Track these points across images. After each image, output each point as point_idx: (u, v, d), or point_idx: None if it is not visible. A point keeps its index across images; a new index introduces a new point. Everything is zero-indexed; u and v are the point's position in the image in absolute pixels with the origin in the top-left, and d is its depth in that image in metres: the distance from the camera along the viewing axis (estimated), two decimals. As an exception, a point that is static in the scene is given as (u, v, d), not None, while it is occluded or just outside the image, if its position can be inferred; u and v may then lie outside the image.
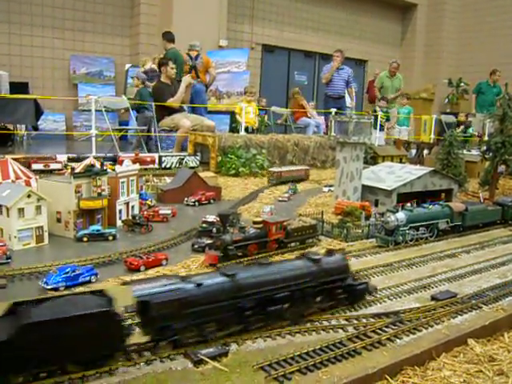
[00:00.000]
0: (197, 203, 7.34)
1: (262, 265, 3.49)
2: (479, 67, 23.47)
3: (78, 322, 2.60)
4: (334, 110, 13.92)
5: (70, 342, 2.60)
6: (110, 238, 5.38)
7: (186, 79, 12.58)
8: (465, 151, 11.71)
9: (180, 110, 12.59)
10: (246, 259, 4.73)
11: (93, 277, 4.17)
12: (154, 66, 14.93)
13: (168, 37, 13.25)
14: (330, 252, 3.90)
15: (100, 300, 2.76)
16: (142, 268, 4.46)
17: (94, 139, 10.09)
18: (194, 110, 13.44)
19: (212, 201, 7.57)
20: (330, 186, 8.81)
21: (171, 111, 12.29)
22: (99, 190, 5.59)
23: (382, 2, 25.36)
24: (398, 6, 26.16)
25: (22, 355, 2.48)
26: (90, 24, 18.24)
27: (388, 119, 16.78)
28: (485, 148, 9.25)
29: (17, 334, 2.45)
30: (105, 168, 5.85)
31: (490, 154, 9.04)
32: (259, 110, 14.97)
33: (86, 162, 6.14)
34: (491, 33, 24.17)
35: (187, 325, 2.94)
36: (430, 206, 6.00)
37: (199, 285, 3.05)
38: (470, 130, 18.17)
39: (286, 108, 17.83)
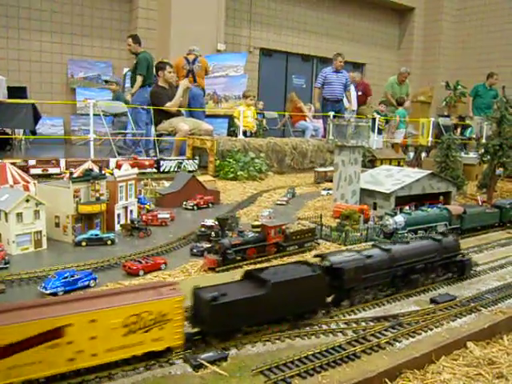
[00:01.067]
0: (195, 207, 7.34)
1: (403, 242, 4.28)
2: (476, 70, 23.56)
3: (303, 282, 3.37)
4: (332, 114, 13.95)
5: (294, 298, 3.33)
6: (109, 242, 5.37)
7: (184, 83, 12.60)
8: (463, 154, 11.73)
9: (178, 114, 12.60)
10: (244, 263, 4.73)
11: (92, 281, 4.16)
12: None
13: (138, 40, 13.20)
14: (443, 233, 4.66)
15: (309, 268, 3.52)
16: (141, 272, 4.46)
17: (92, 143, 10.10)
18: (192, 114, 13.45)
19: (210, 205, 7.57)
20: (329, 189, 8.82)
21: (169, 115, 12.30)
22: (98, 195, 5.59)
23: (379, 6, 25.45)
24: (396, 9, 26.25)
25: (265, 307, 3.19)
26: (87, 28, 18.29)
27: (387, 123, 16.83)
28: (483, 150, 9.25)
29: (268, 291, 3.18)
30: (103, 172, 5.84)
31: (488, 157, 9.05)
32: (257, 113, 15.00)
33: (85, 166, 6.13)
34: (488, 36, 24.26)
35: (364, 287, 3.76)
36: (429, 209, 6.01)
37: (369, 256, 3.84)
38: (468, 133, 18.21)
39: (284, 112, 17.87)
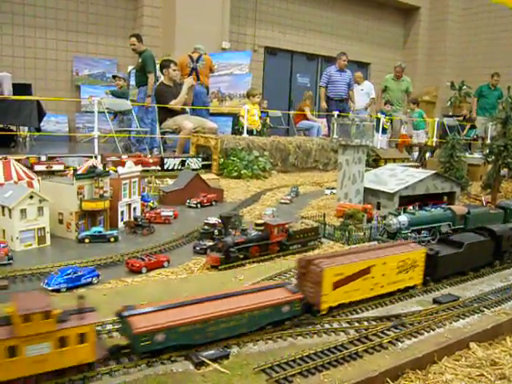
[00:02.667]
0: (199, 205, 7.35)
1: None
2: (482, 70, 23.45)
3: (482, 244, 4.76)
4: (336, 113, 13.94)
5: (477, 255, 4.68)
6: (112, 239, 5.38)
7: (188, 81, 12.61)
8: (467, 154, 11.71)
9: (182, 111, 12.61)
10: (247, 261, 4.73)
11: (94, 278, 4.17)
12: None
13: (141, 38, 13.18)
14: None
15: (482, 235, 4.90)
16: (144, 270, 4.47)
17: (96, 141, 10.11)
18: (195, 112, 13.46)
19: (214, 203, 7.58)
20: (332, 188, 8.81)
21: (173, 113, 12.30)
22: (101, 192, 5.60)
23: (384, 5, 25.38)
24: (401, 8, 26.16)
25: (462, 261, 4.54)
26: (92, 26, 18.29)
27: (390, 122, 16.80)
28: (487, 151, 9.22)
29: (464, 249, 4.50)
30: (107, 169, 5.85)
31: (493, 158, 9.02)
32: (261, 112, 15.01)
33: (89, 163, 6.14)
34: (494, 36, 24.16)
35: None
36: (432, 210, 5.98)
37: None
38: (472, 133, 18.17)
39: (289, 111, 17.87)
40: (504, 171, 9.79)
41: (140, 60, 12.87)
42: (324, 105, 15.86)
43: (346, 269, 3.57)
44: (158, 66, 13.71)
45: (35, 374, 2.44)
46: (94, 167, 5.72)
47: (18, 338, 2.35)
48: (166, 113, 12.30)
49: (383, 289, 3.86)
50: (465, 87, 24.20)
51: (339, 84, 15.66)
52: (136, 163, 8.01)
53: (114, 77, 16.83)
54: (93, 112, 10.76)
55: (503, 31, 23.62)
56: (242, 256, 4.72)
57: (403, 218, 5.43)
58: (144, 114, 12.75)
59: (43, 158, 8.70)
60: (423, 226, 5.66)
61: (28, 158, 8.57)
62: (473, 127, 18.56)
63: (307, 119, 16.65)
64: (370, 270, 3.72)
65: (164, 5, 18.38)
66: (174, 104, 12.09)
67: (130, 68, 18.15)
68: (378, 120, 15.29)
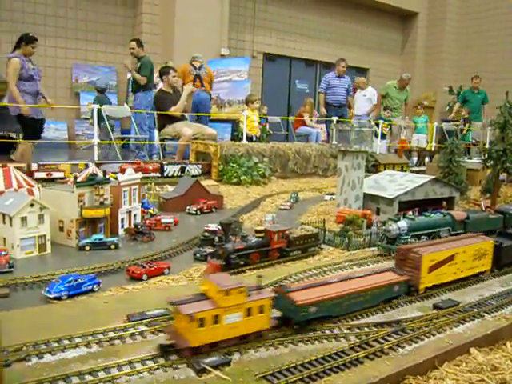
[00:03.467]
0: (199, 212, 7.36)
1: None
2: (480, 75, 23.52)
3: None
4: (335, 119, 13.98)
5: None
6: (113, 246, 5.39)
7: (188, 87, 12.65)
8: (466, 159, 11.73)
9: (181, 118, 12.65)
10: (247, 268, 4.74)
11: (95, 286, 4.17)
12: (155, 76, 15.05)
13: (141, 43, 13.28)
14: None
15: None
16: (145, 277, 4.47)
17: (96, 148, 10.14)
18: (198, 119, 13.53)
19: (214, 209, 7.59)
20: (332, 194, 8.82)
21: (173, 120, 12.34)
22: (102, 199, 5.62)
23: (382, 11, 25.48)
24: (399, 14, 26.27)
25: None
26: (92, 33, 18.37)
27: (391, 128, 16.85)
28: (486, 156, 9.25)
29: None
30: (107, 177, 5.86)
31: (492, 162, 9.05)
32: (260, 118, 15.05)
33: (89, 170, 6.15)
34: (492, 41, 24.25)
35: None
36: (432, 215, 6.00)
37: None
38: (469, 137, 18.21)
39: (288, 117, 17.91)
40: (503, 176, 9.80)
41: (138, 65, 12.95)
42: (323, 110, 15.93)
43: (437, 255, 4.29)
44: (157, 74, 13.82)
45: (230, 338, 3.05)
46: (95, 175, 5.73)
47: (220, 308, 2.97)
48: (166, 119, 12.34)
49: (462, 273, 4.56)
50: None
51: (338, 90, 15.75)
52: (136, 170, 8.05)
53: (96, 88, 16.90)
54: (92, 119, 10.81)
55: (501, 36, 23.71)
56: (242, 263, 4.72)
57: (403, 224, 5.44)
58: (142, 120, 12.81)
59: (34, 167, 8.64)
60: (423, 232, 5.67)
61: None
62: (469, 131, 18.62)
63: (306, 125, 16.70)
64: (454, 257, 4.43)
65: (163, 12, 18.46)
66: (174, 111, 12.12)
67: (129, 75, 18.22)
68: (378, 125, 15.36)
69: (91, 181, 5.61)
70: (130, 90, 17.39)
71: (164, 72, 12.68)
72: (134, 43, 13.06)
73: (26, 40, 10.59)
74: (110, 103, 13.50)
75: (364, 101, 17.23)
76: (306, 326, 3.38)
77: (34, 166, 8.56)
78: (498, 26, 23.90)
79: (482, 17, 24.91)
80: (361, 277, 3.89)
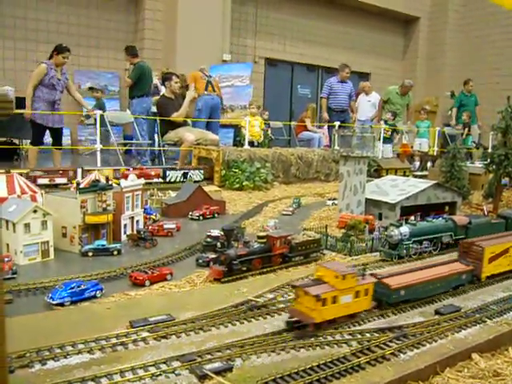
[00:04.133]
0: (201, 217, 7.37)
1: None
2: (482, 79, 23.54)
3: None
4: (337, 123, 14.00)
5: None
6: (115, 252, 5.41)
7: (190, 93, 12.70)
8: (468, 163, 11.73)
9: (184, 124, 12.70)
10: (250, 274, 4.75)
11: (98, 292, 4.19)
12: (157, 82, 15.18)
13: (132, 52, 13.48)
14: None
15: None
16: (147, 283, 4.48)
17: (99, 153, 10.18)
18: (208, 125, 13.63)
19: (216, 215, 7.60)
20: (334, 199, 8.83)
21: (175, 125, 12.39)
22: (104, 205, 5.64)
23: (384, 16, 25.53)
24: (401, 19, 26.35)
25: None
26: (94, 39, 18.46)
27: (394, 132, 16.86)
28: (488, 160, 9.25)
29: None
30: (110, 183, 5.89)
31: (494, 167, 9.05)
32: (264, 123, 15.10)
33: (91, 176, 6.18)
34: (493, 45, 24.29)
35: None
36: (434, 220, 6.01)
37: None
38: (469, 142, 18.22)
39: (290, 122, 17.94)
40: (505, 180, 9.80)
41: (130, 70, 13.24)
42: (325, 115, 15.95)
43: (496, 248, 4.84)
44: (155, 79, 13.99)
45: (343, 316, 3.62)
46: (97, 181, 5.76)
47: (338, 290, 3.50)
48: (168, 125, 12.38)
49: (509, 266, 5.05)
50: (465, 96, 24.26)
51: (340, 95, 15.78)
52: (138, 176, 8.08)
53: (90, 88, 17.02)
54: (95, 124, 10.85)
55: (502, 40, 23.74)
56: (244, 268, 4.73)
57: (405, 229, 5.45)
58: (138, 126, 12.95)
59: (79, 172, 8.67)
60: (425, 237, 5.68)
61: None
62: (468, 135, 18.66)
63: (308, 130, 16.74)
64: (508, 250, 4.96)
65: (165, 18, 18.55)
66: (176, 116, 12.17)
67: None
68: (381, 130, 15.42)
69: (94, 187, 5.63)
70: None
71: (166, 78, 12.75)
72: (125, 52, 13.50)
73: (57, 50, 11.07)
74: (104, 109, 13.65)
75: (368, 106, 17.27)
76: (395, 306, 4.00)
77: (79, 172, 8.60)
78: (499, 31, 23.94)
79: (483, 21, 24.94)
80: (436, 266, 4.52)
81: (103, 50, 18.80)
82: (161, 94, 14.07)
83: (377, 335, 3.51)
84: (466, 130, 18.66)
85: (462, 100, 19.32)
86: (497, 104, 9.85)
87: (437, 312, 4.02)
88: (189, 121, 13.17)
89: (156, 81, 15.73)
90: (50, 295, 3.97)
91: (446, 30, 26.07)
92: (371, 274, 3.97)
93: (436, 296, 4.34)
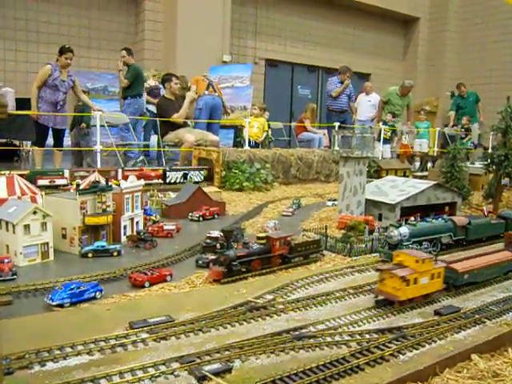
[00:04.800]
0: (201, 218, 7.37)
1: None
2: (482, 80, 23.58)
3: None
4: (337, 124, 14.01)
5: None
6: (115, 253, 5.41)
7: (190, 95, 12.72)
8: (468, 164, 11.73)
9: (184, 125, 12.71)
10: (249, 274, 4.75)
11: (98, 293, 4.19)
12: (157, 83, 15.20)
13: (131, 52, 13.73)
14: None
15: None
16: (147, 284, 4.48)
17: (98, 154, 10.18)
18: (208, 125, 13.68)
19: (216, 216, 7.60)
20: (334, 200, 8.83)
21: (175, 127, 12.39)
22: (104, 206, 5.65)
23: (384, 16, 25.54)
24: (400, 19, 26.36)
25: None
26: (94, 40, 18.50)
27: (394, 132, 16.88)
28: (488, 161, 9.25)
29: None
30: (110, 184, 5.89)
31: (494, 167, 9.05)
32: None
33: (91, 177, 6.18)
34: (493, 46, 24.29)
35: None
36: (433, 221, 6.01)
37: None
38: (469, 142, 18.22)
39: (290, 122, 17.94)
40: (505, 180, 9.80)
41: (126, 71, 13.34)
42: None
43: None
44: (153, 82, 14.05)
45: (420, 295, 4.20)
46: (97, 182, 5.76)
47: (418, 272, 4.08)
48: (168, 126, 12.39)
49: None
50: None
51: (341, 96, 15.75)
52: (138, 177, 8.09)
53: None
54: (95, 125, 10.86)
55: (502, 41, 23.75)
56: (244, 269, 4.73)
57: (404, 230, 5.45)
58: (133, 125, 13.05)
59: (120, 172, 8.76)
60: (424, 237, 5.68)
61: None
62: (467, 135, 18.68)
63: (308, 131, 16.75)
64: None
65: (165, 19, 18.57)
66: (176, 117, 12.17)
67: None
68: (381, 131, 15.44)
69: (94, 188, 5.64)
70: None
71: (166, 79, 12.76)
72: (124, 52, 13.57)
73: (60, 51, 11.19)
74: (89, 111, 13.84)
75: (368, 106, 17.28)
76: (460, 288, 4.58)
77: (120, 172, 8.76)
78: (498, 31, 23.95)
79: (482, 22, 24.97)
80: (489, 254, 5.11)
81: (103, 52, 18.81)
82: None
83: (376, 336, 3.51)
84: (468, 133, 18.66)
85: (459, 103, 19.35)
86: (497, 104, 9.85)
87: (436, 313, 4.02)
88: (189, 122, 13.17)
89: (156, 82, 15.76)
90: (50, 296, 3.97)
91: (445, 30, 26.07)
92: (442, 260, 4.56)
93: (494, 279, 4.89)
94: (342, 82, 15.72)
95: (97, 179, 6.02)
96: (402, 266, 4.13)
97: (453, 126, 19.05)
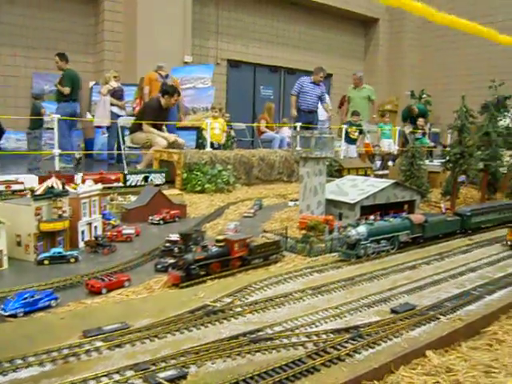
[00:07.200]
0: (161, 222, 7.30)
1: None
2: (440, 79, 24.09)
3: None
4: (299, 125, 14.08)
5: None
6: (72, 260, 5.30)
7: (172, 137, 12.46)
8: (427, 162, 11.96)
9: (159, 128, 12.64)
10: (208, 278, 4.73)
11: (53, 301, 4.10)
12: (120, 84, 15.03)
13: (64, 57, 13.72)
14: None
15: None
16: (104, 291, 4.41)
17: (57, 158, 9.98)
18: (167, 128, 13.55)
19: (177, 219, 7.54)
20: (296, 200, 8.87)
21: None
22: (60, 212, 5.53)
23: (345, 17, 25.85)
24: (361, 20, 26.69)
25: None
26: (52, 41, 18.11)
27: (361, 132, 17.10)
28: (445, 159, 9.46)
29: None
30: (66, 189, 5.78)
31: (451, 165, 9.26)
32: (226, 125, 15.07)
33: (47, 183, 6.05)
34: (451, 46, 24.84)
35: None
36: (391, 219, 6.11)
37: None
38: (426, 141, 18.59)
39: (253, 123, 17.97)
40: (462, 177, 10.03)
41: (60, 77, 13.37)
42: (294, 112, 15.83)
43: None
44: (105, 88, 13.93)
45: None
46: (53, 187, 5.64)
47: None
48: (139, 126, 12.30)
49: None
50: (424, 95, 24.78)
51: (310, 96, 15.71)
52: (98, 180, 7.97)
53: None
54: (53, 128, 10.64)
55: (459, 41, 24.30)
56: (203, 273, 4.71)
57: (362, 229, 5.52)
58: (66, 129, 12.91)
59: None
60: (382, 236, 5.76)
61: None
62: (424, 134, 19.06)
63: (271, 130, 16.81)
64: None
65: (125, 20, 18.36)
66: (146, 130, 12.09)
67: (91, 84, 18.05)
68: (346, 130, 15.65)
69: (49, 193, 5.52)
70: (92, 98, 17.21)
71: (166, 92, 12.49)
72: (57, 57, 13.64)
73: None
74: (40, 113, 13.67)
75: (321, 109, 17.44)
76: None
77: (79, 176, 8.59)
78: (454, 32, 24.43)
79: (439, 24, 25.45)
80: None
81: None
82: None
83: (333, 336, 3.53)
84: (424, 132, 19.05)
85: (405, 116, 19.72)
86: (455, 103, 10.07)
87: (393, 311, 4.07)
88: (164, 127, 12.96)
89: (119, 83, 15.58)
90: (2, 306, 3.86)
91: (404, 31, 26.57)
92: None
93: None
94: (314, 83, 15.73)
95: (53, 184, 5.89)
96: None
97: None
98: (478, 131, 10.21)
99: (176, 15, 18.23)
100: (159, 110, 12.37)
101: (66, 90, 13.20)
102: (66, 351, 3.13)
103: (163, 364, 3.02)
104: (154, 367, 2.96)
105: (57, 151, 9.92)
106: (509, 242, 6.43)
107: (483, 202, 9.49)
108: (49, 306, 4.05)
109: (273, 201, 9.72)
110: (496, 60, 22.81)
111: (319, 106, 16.21)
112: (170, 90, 12.56)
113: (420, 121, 18.67)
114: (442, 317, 4.01)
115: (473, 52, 23.92)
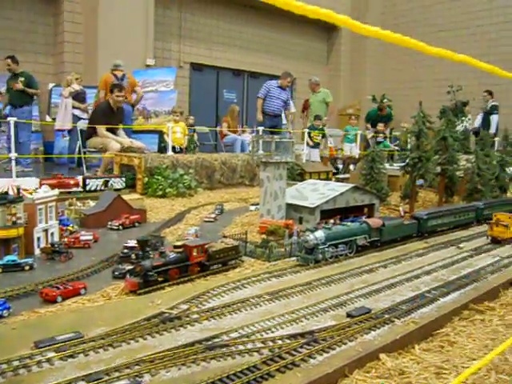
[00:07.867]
0: (121, 227, 7.21)
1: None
2: (401, 84, 24.55)
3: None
4: (261, 129, 14.13)
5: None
6: (27, 268, 5.18)
7: (127, 142, 12.28)
8: (387, 165, 12.16)
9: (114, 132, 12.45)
10: (166, 284, 4.70)
11: (5, 311, 3.99)
12: (82, 87, 14.80)
13: (16, 60, 13.56)
14: None
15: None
16: (59, 299, 4.33)
17: (14, 162, 9.74)
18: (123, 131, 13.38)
19: (137, 224, 7.47)
20: (257, 204, 8.89)
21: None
22: (14, 218, 5.40)
23: (308, 22, 26.02)
24: (323, 25, 26.95)
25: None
26: (10, 42, 17.68)
27: (324, 136, 17.27)
28: (404, 163, 9.64)
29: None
30: (20, 195, 5.65)
31: (409, 169, 9.45)
32: (188, 129, 14.99)
33: (1, 188, 5.91)
34: (411, 51, 25.29)
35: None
36: (349, 223, 6.19)
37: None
38: (389, 144, 18.92)
39: (216, 127, 17.95)
40: (420, 181, 10.25)
41: (22, 79, 13.02)
42: (260, 117, 15.82)
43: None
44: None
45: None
46: (6, 193, 5.51)
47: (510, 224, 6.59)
48: (94, 128, 12.11)
49: None
50: (386, 100, 25.14)
51: (275, 100, 15.69)
52: (55, 185, 7.83)
53: None
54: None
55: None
56: (161, 279, 4.67)
57: (320, 234, 5.57)
58: (26, 132, 12.80)
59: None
60: (340, 240, 5.83)
61: None
62: (385, 138, 19.39)
63: (234, 133, 16.84)
64: None
65: (85, 21, 18.09)
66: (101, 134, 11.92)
67: (50, 85, 17.71)
68: (308, 134, 15.80)
69: (3, 200, 5.39)
70: (52, 100, 16.90)
71: (111, 90, 12.32)
72: (9, 60, 13.38)
73: None
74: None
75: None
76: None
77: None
78: (417, 39, 24.96)
79: (401, 29, 25.97)
80: None
81: (20, 53, 17.99)
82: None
83: (288, 342, 3.55)
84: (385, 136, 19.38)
85: (372, 117, 19.99)
86: (415, 108, 10.26)
87: (348, 315, 4.12)
88: (120, 130, 12.77)
89: (81, 86, 15.33)
90: (-49, 317, 3.76)
91: (365, 37, 26.92)
92: None
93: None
94: (280, 87, 15.76)
95: (6, 190, 5.75)
96: (500, 221, 6.93)
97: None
98: (436, 136, 10.44)
99: (138, 18, 18.07)
100: (110, 112, 12.20)
101: (38, 93, 12.95)
102: (15, 363, 3.06)
103: (117, 374, 2.99)
104: (107, 377, 2.92)
105: (13, 155, 9.68)
106: (489, 238, 7.13)
107: (441, 205, 9.70)
108: (1, 317, 3.95)
109: (234, 205, 9.73)
110: (455, 66, 23.38)
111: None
112: (112, 88, 12.46)
113: (380, 125, 18.97)
114: (396, 320, 4.09)
115: (433, 57, 24.41)
